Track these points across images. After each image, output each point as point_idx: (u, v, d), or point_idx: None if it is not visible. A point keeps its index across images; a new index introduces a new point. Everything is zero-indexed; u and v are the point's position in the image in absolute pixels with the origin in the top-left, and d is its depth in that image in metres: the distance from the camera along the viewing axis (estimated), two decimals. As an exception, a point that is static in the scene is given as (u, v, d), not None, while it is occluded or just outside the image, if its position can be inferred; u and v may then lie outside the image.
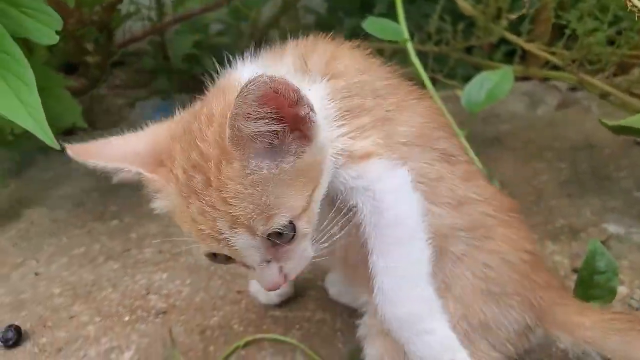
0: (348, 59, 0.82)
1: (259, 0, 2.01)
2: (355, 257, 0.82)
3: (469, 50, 1.79)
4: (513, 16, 1.31)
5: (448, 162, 0.83)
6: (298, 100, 0.65)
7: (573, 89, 2.02)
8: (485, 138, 1.83)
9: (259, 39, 2.37)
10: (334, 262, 0.89)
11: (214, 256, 0.74)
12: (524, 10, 1.30)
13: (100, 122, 2.27)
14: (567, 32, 1.41)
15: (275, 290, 0.76)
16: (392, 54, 2.03)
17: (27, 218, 1.50)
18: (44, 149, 1.83)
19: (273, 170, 0.67)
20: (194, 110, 0.77)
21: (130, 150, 0.76)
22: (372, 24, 1.19)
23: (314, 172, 0.72)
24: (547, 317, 0.85)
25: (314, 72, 0.78)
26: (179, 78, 2.51)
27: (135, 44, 2.38)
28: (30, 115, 0.86)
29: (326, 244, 0.75)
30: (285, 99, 0.64)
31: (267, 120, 0.65)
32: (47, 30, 0.88)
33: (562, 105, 1.97)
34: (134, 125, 2.15)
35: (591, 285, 0.94)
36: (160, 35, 2.42)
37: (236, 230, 0.67)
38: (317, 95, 0.76)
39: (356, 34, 2.47)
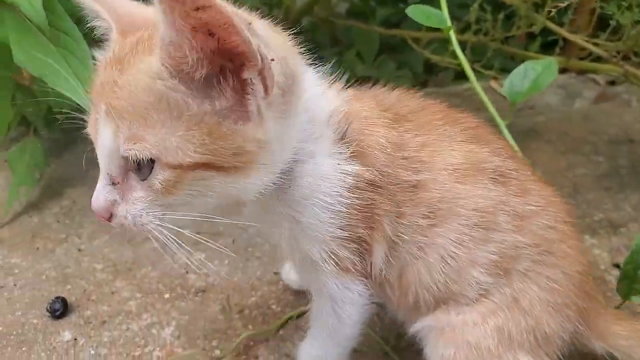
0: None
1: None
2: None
3: (506, 40, 1.77)
4: (561, 4, 1.29)
5: (501, 183, 0.79)
6: (232, 26, 0.54)
7: (612, 82, 1.99)
8: (520, 130, 1.81)
9: (292, 26, 2.39)
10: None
11: None
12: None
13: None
14: (612, 23, 1.38)
15: (97, 212, 0.67)
16: (427, 43, 2.02)
17: (69, 197, 1.54)
18: (82, 129, 1.88)
19: (184, 99, 0.60)
20: None
21: (126, 11, 0.70)
22: (415, 11, 1.19)
23: (237, 151, 0.62)
24: (590, 326, 0.85)
25: None
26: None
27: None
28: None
29: (176, 225, 0.69)
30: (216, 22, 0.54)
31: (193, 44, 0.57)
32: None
33: (601, 99, 1.94)
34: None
35: (635, 280, 0.93)
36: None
37: (107, 121, 0.62)
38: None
39: (389, 23, 2.46)
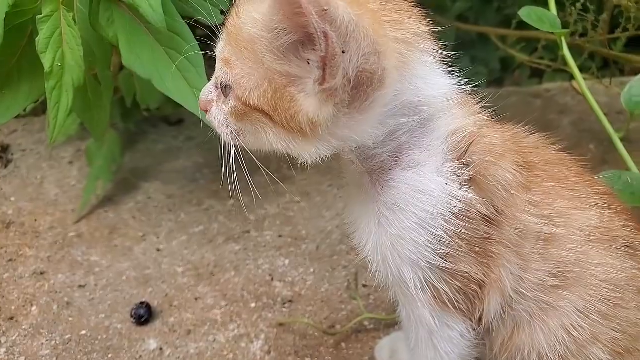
0: None
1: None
2: None
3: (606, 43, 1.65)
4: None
5: (630, 256, 0.72)
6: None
7: None
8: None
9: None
10: None
11: None
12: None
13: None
14: None
15: (199, 102, 0.75)
16: (515, 41, 1.92)
17: (144, 191, 1.51)
18: (154, 120, 1.85)
19: (267, 53, 0.62)
20: None
21: None
22: (529, 13, 1.10)
23: (292, 117, 0.64)
24: None
25: None
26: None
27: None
28: (197, 100, 0.84)
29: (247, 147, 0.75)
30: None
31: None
32: (212, 9, 0.85)
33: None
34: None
35: None
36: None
37: (223, 37, 0.68)
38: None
39: (465, 18, 2.36)
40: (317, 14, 0.55)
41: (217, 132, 0.75)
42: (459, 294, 0.70)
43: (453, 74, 0.71)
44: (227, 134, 0.73)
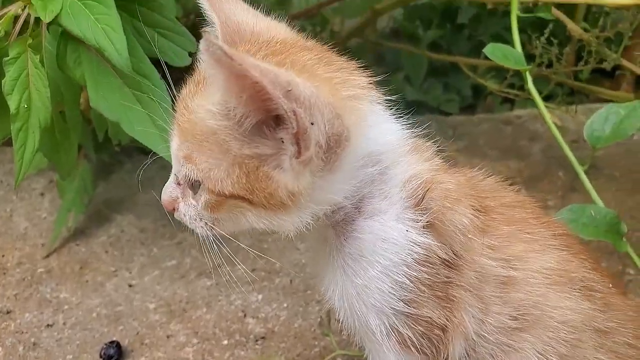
0: None
1: (356, 10, 1.96)
2: None
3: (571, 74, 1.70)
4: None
5: (587, 297, 0.73)
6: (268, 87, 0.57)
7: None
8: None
9: (339, 47, 2.34)
10: None
11: None
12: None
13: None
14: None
15: (163, 203, 0.76)
16: (486, 70, 1.96)
17: (117, 224, 1.50)
18: (129, 150, 1.84)
19: (231, 140, 0.63)
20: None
21: (241, 21, 0.74)
22: (493, 51, 1.13)
23: (270, 194, 0.64)
24: None
25: None
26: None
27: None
28: (165, 142, 0.84)
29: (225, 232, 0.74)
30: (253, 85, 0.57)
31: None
32: (180, 51, 0.86)
33: (664, 132, 1.85)
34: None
35: None
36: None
37: (176, 132, 0.69)
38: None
39: (437, 46, 2.41)
40: (284, 96, 0.56)
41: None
42: (423, 339, 0.71)
43: (402, 120, 0.73)
44: (201, 227, 0.73)
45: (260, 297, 1.23)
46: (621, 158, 1.72)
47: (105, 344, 1.09)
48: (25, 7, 0.84)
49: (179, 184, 0.73)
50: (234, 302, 1.22)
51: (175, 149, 0.69)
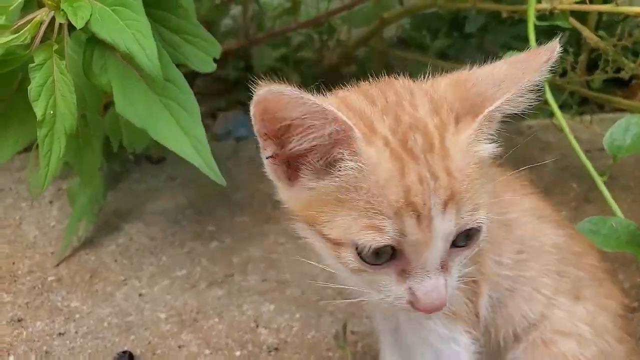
0: None
1: (363, 19, 1.96)
2: None
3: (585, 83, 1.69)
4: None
5: (561, 227, 0.88)
6: None
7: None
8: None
9: (346, 56, 2.34)
10: None
11: (376, 255, 0.61)
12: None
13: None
14: None
15: (441, 305, 0.62)
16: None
17: (126, 233, 1.49)
18: (136, 158, 1.84)
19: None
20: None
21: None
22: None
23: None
24: None
25: None
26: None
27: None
28: (194, 148, 0.83)
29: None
30: None
31: None
32: (205, 57, 0.86)
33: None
34: (218, 137, 2.11)
35: None
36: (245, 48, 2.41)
37: (447, 208, 0.59)
38: None
39: (444, 55, 2.40)
40: None
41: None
42: (466, 298, 0.76)
43: None
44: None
45: (272, 307, 1.22)
46: (635, 168, 1.70)
47: (118, 354, 1.08)
48: (50, 12, 0.84)
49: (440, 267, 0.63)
50: (245, 312, 1.21)
51: (453, 221, 0.60)
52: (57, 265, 1.38)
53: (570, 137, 1.19)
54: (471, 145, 0.61)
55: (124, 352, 1.08)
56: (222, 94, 2.74)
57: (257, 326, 1.17)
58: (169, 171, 1.78)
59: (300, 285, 1.28)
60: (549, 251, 0.84)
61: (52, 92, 0.82)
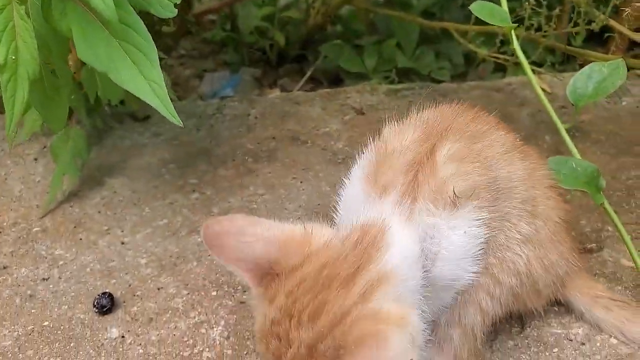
0: None
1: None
2: None
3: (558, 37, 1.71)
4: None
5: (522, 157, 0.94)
6: None
7: (663, 80, 1.92)
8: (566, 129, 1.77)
9: (330, 15, 2.34)
10: None
11: None
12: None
13: (170, 93, 2.28)
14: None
15: None
16: (476, 36, 1.97)
17: (110, 187, 1.53)
18: (120, 116, 1.87)
19: None
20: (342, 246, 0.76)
21: (262, 244, 0.77)
22: (479, 8, 1.15)
23: None
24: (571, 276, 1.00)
25: None
26: (248, 50, 2.51)
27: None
28: (153, 91, 0.86)
29: None
30: None
31: None
32: (167, 3, 0.87)
33: (650, 97, 1.87)
34: (204, 96, 2.14)
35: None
36: (230, 7, 2.41)
37: None
38: None
39: (429, 14, 2.40)
40: None
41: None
42: None
43: None
44: None
45: (249, 252, 1.27)
46: (608, 123, 1.74)
47: (99, 295, 1.13)
48: (8, -42, 0.85)
49: None
50: (223, 257, 1.26)
51: None
52: (42, 217, 1.42)
53: (536, 86, 1.23)
54: None
55: (104, 293, 1.13)
56: (209, 55, 2.75)
57: (234, 269, 1.22)
58: (153, 129, 1.81)
59: (276, 232, 1.33)
60: (516, 185, 0.89)
61: (13, 38, 0.84)
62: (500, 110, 1.84)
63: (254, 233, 0.76)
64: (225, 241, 0.76)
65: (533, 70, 1.68)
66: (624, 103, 1.88)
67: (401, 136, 0.87)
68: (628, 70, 2.07)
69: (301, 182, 1.52)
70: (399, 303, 0.70)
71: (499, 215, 0.86)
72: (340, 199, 0.92)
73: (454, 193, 0.79)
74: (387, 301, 0.69)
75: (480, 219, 0.80)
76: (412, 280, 0.74)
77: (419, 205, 0.78)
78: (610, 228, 1.29)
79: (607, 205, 1.12)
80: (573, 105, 1.20)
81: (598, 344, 1.01)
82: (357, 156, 0.93)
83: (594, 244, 1.25)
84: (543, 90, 1.75)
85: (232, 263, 0.77)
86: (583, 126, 1.76)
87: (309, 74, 2.32)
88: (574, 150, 1.15)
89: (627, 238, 1.10)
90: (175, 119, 0.88)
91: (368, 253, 0.72)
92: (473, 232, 0.80)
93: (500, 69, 2.32)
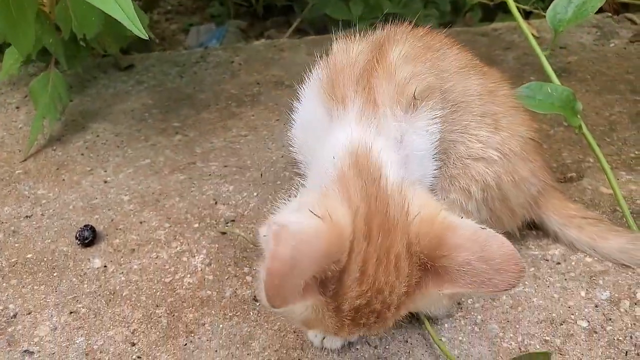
0: None
1: None
2: None
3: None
4: None
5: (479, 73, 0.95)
6: None
7: (651, 20, 1.91)
8: (552, 69, 1.76)
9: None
10: None
11: None
12: None
13: (155, 47, 2.27)
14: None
15: None
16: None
17: (93, 131, 1.52)
18: (104, 66, 1.85)
19: None
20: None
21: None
22: None
23: None
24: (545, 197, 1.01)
25: None
26: (234, 3, 2.47)
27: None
28: (119, 5, 0.85)
29: None
30: None
31: None
32: None
33: (637, 38, 1.86)
34: (190, 49, 2.11)
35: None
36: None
37: None
38: None
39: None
40: None
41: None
42: None
43: None
44: None
45: (231, 187, 1.27)
46: (595, 64, 1.73)
47: (81, 227, 1.13)
48: None
49: None
50: (205, 193, 1.26)
51: None
52: (25, 160, 1.41)
53: (521, 21, 1.21)
54: None
55: (86, 226, 1.13)
56: (195, 10, 2.72)
57: (216, 203, 1.23)
58: (137, 77, 1.80)
59: (259, 169, 1.33)
60: (473, 99, 0.91)
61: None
62: (486, 54, 1.86)
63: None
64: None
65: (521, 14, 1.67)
66: (611, 45, 1.86)
67: (349, 50, 0.87)
68: (618, 14, 2.07)
69: (285, 124, 1.51)
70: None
71: (457, 128, 0.87)
72: (295, 124, 0.92)
73: (414, 95, 0.79)
74: (416, 206, 0.70)
75: (436, 117, 0.81)
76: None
77: (382, 111, 0.78)
78: (591, 160, 1.30)
79: (585, 130, 1.12)
80: (554, 30, 1.19)
81: (573, 263, 1.02)
82: (305, 77, 0.92)
83: (574, 173, 1.26)
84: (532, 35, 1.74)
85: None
86: (570, 67, 1.75)
87: (295, 24, 2.30)
88: (553, 75, 1.15)
89: (607, 165, 1.11)
90: (140, 32, 0.87)
91: (377, 188, 0.70)
92: (432, 130, 0.80)
93: (488, 18, 2.30)
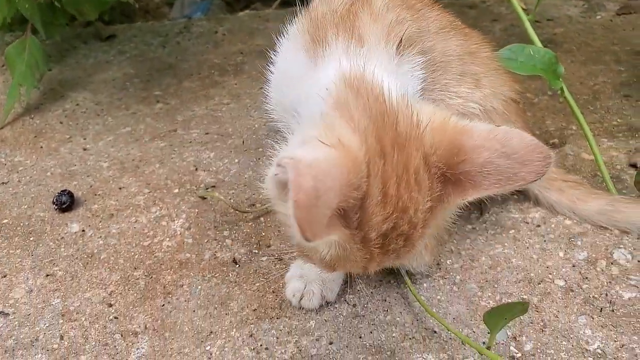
0: None
1: None
2: None
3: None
4: None
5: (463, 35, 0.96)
6: None
7: (636, -7, 1.90)
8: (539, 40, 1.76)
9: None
10: None
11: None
12: None
13: (138, 19, 2.23)
14: None
15: None
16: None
17: (72, 100, 1.50)
18: (85, 36, 1.81)
19: None
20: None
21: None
22: None
23: None
24: None
25: None
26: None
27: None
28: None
29: None
30: None
31: None
32: None
33: (624, 11, 1.85)
34: (173, 21, 2.06)
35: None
36: None
37: None
38: None
39: None
40: None
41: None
42: None
43: None
44: None
45: (212, 154, 1.26)
46: (581, 35, 1.73)
47: (58, 193, 1.12)
48: None
49: None
50: (186, 159, 1.25)
51: None
52: (1, 128, 1.39)
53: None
54: None
55: (63, 191, 1.12)
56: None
57: (197, 169, 1.21)
58: (118, 47, 1.77)
59: (241, 136, 1.31)
60: (455, 59, 0.90)
61: None
62: (473, 25, 1.83)
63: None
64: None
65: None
66: (598, 17, 1.86)
67: (330, 1, 0.85)
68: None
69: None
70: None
71: (437, 87, 0.86)
72: (272, 75, 0.89)
73: (402, 37, 0.77)
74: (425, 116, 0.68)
75: (419, 63, 0.80)
76: None
77: (370, 45, 0.77)
78: (574, 127, 1.29)
79: (568, 96, 1.11)
80: (557, 25, 1.18)
81: (553, 225, 1.02)
82: (282, 29, 0.90)
83: (557, 140, 1.25)
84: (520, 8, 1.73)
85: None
86: (556, 38, 1.74)
87: (280, -3, 2.26)
88: (536, 38, 1.14)
89: (588, 131, 1.10)
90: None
91: (381, 103, 0.67)
92: (417, 75, 0.79)
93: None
